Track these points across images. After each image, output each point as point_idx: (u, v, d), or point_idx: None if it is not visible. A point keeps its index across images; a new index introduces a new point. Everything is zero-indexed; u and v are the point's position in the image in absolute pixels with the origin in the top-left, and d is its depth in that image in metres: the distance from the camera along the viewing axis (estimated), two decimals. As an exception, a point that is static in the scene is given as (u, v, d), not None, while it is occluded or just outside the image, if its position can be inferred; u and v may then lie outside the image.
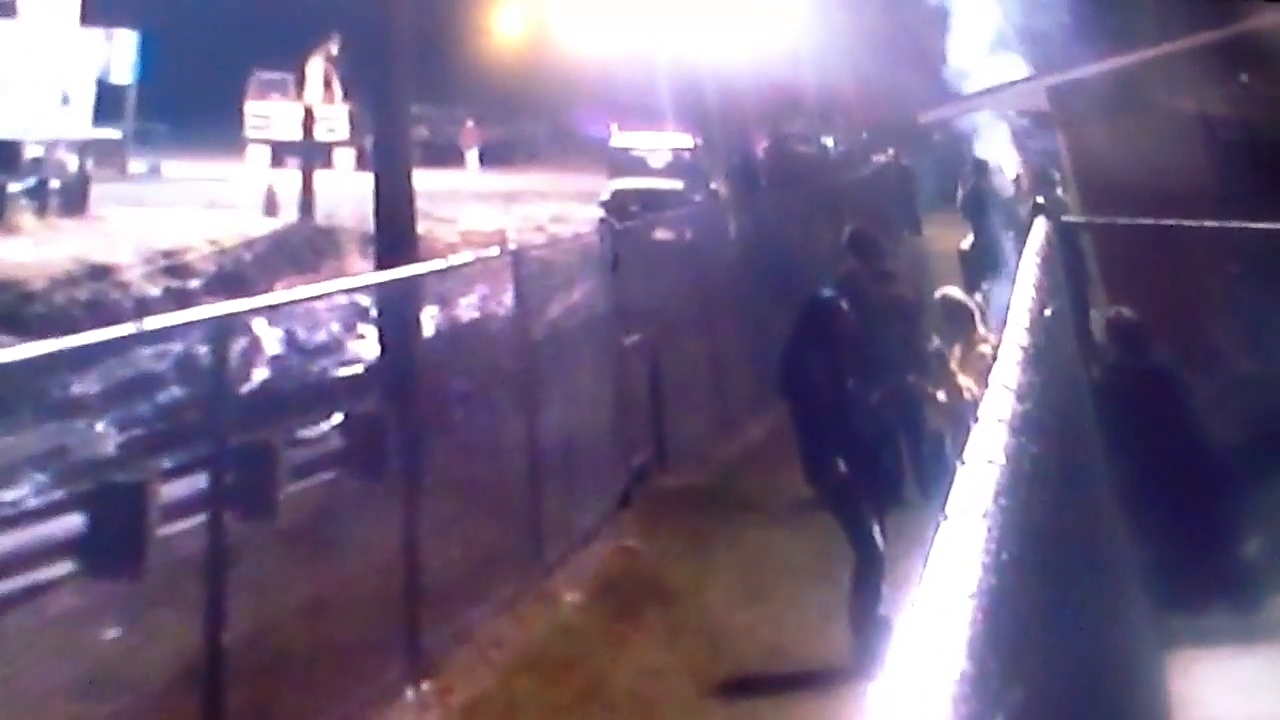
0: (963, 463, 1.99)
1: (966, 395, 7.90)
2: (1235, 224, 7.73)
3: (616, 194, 24.56)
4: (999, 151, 19.49)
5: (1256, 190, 8.54)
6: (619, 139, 29.31)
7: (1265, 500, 6.95)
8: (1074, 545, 3.04)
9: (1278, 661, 5.56)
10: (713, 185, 25.48)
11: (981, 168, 18.42)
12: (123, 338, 6.07)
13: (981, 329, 8.29)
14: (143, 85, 31.30)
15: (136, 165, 31.42)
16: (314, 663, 6.40)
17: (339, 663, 6.50)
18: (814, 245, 17.18)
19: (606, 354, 10.30)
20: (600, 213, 22.31)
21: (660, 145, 27.96)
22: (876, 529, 7.11)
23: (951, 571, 1.55)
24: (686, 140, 27.44)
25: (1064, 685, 2.32)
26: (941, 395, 8.26)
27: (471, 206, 27.85)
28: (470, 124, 40.64)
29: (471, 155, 39.85)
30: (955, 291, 8.97)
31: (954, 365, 8.23)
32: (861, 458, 7.11)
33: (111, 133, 28.88)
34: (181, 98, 33.40)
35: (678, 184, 25.22)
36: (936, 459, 8.40)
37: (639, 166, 26.93)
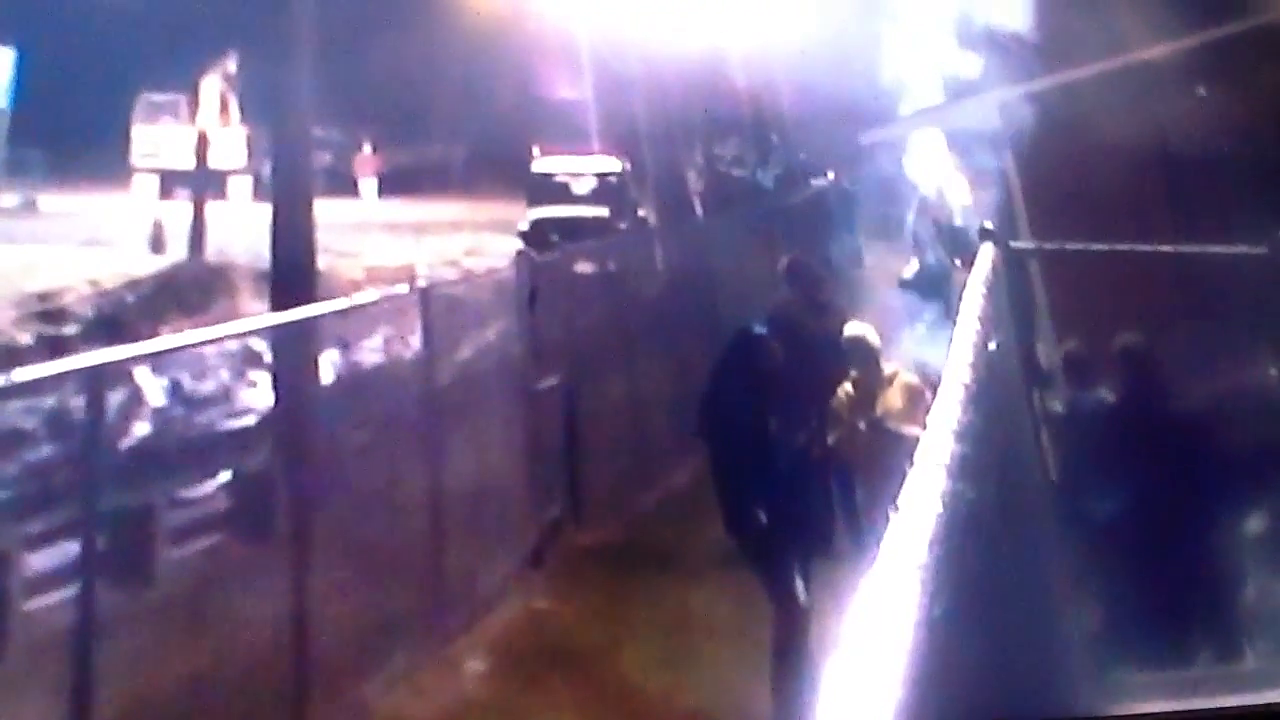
0: (895, 510, 1.94)
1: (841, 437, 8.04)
2: (1190, 248, 7.82)
3: (536, 224, 24.55)
4: (947, 174, 19.70)
5: (1213, 210, 8.65)
6: (540, 164, 29.31)
7: (1212, 547, 7.00)
8: (1011, 596, 3.01)
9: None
10: (640, 213, 25.55)
11: (930, 192, 18.63)
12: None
13: (886, 368, 8.41)
14: (17, 108, 30.88)
15: (8, 197, 30.93)
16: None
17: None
18: (747, 275, 17.23)
19: (519, 399, 10.23)
20: (519, 244, 22.27)
21: (585, 170, 27.97)
22: (800, 583, 7.07)
23: (881, 627, 1.50)
24: (613, 164, 27.49)
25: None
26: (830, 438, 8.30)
27: (379, 239, 27.67)
28: (367, 149, 39.79)
29: (367, 184, 39.18)
30: (858, 328, 9.04)
31: (843, 405, 8.32)
32: (784, 506, 7.06)
33: (-20, 162, 28.49)
34: (61, 122, 32.77)
35: (603, 211, 25.27)
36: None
37: (561, 193, 26.93)
